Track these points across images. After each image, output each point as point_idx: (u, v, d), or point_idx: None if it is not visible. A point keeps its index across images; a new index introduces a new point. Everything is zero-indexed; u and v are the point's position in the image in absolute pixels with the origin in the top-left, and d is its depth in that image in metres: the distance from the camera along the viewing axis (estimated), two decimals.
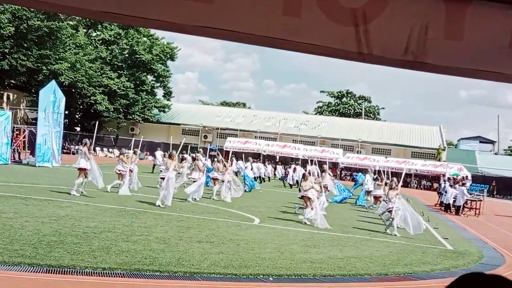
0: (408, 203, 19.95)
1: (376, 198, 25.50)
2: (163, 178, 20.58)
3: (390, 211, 19.30)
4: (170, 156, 21.32)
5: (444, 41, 1.89)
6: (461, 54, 1.90)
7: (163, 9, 1.80)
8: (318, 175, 23.38)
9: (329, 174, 28.74)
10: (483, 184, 50.54)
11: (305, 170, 25.03)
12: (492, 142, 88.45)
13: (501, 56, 1.90)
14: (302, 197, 19.88)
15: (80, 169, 20.54)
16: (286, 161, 59.62)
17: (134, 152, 24.07)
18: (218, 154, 25.53)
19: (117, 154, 23.48)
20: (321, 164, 26.99)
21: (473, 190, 41.86)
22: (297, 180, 37.48)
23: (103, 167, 41.12)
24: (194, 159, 24.67)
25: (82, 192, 20.25)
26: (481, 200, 32.88)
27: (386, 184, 20.89)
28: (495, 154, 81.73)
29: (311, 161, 25.32)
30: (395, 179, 21.19)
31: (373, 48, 1.89)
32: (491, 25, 1.89)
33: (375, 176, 29.70)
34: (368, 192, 29.44)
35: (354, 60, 1.92)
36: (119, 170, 23.03)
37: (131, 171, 23.63)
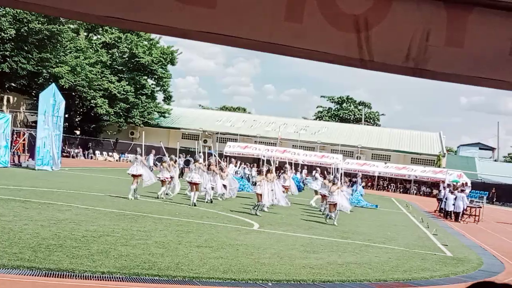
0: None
1: (323, 197, 26.00)
2: (190, 183, 23.07)
3: (332, 205, 21.66)
4: (196, 161, 23.84)
5: (445, 48, 1.89)
6: (462, 61, 1.90)
7: (166, 14, 1.81)
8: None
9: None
10: (482, 191, 50.53)
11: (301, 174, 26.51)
12: (492, 149, 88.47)
13: (502, 63, 1.90)
14: (256, 193, 22.52)
15: (135, 176, 22.46)
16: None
17: (171, 159, 24.53)
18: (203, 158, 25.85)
19: (159, 163, 25.54)
20: (281, 165, 29.16)
21: (473, 196, 41.89)
22: None
23: (103, 171, 41.18)
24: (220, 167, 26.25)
25: (136, 197, 22.12)
26: (480, 207, 32.87)
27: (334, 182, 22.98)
28: (495, 161, 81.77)
29: (268, 161, 27.64)
30: (338, 175, 24.50)
31: (374, 55, 1.89)
32: (492, 32, 1.90)
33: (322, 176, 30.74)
34: (316, 192, 29.84)
35: (356, 66, 1.93)
36: (166, 178, 23.96)
37: (171, 177, 24.56)
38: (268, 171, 23.97)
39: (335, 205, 21.47)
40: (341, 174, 25.58)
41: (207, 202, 23.95)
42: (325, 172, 33.04)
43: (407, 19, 1.88)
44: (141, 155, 23.43)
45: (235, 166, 36.94)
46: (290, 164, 36.03)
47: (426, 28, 1.89)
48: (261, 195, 21.98)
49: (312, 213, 25.34)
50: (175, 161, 25.43)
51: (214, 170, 24.43)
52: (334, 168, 26.92)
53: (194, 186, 22.85)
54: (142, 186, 23.19)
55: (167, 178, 23.94)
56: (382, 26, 1.87)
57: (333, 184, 22.35)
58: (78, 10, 1.80)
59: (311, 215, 24.08)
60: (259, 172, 23.76)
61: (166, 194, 24.00)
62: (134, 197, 22.05)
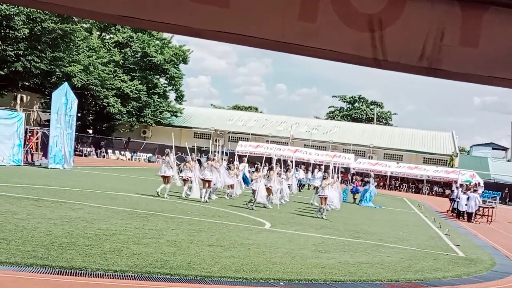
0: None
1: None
2: (203, 180, 23.80)
3: (322, 198, 22.77)
4: (209, 159, 25.01)
5: (459, 47, 1.88)
6: (476, 60, 1.89)
7: (179, 14, 1.81)
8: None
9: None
10: (495, 191, 50.30)
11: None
12: (505, 149, 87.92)
13: None
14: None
15: (164, 177, 23.59)
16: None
17: (192, 159, 24.96)
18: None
19: (183, 163, 25.81)
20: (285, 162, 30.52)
21: (486, 197, 41.68)
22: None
23: (116, 169, 41.34)
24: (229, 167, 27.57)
25: (162, 195, 23.14)
26: (493, 207, 32.66)
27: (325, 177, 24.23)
28: (508, 161, 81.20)
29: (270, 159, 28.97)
30: (329, 171, 26.14)
31: (388, 54, 1.89)
32: (507, 32, 1.88)
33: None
34: (316, 188, 29.84)
35: (370, 66, 1.92)
36: (189, 177, 24.31)
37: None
38: (271, 169, 25.09)
39: (325, 198, 22.64)
40: (336, 170, 27.55)
41: (212, 198, 24.88)
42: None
43: (421, 18, 1.87)
44: (167, 155, 24.17)
45: (247, 164, 37.12)
46: (346, 170, 36.11)
47: (440, 28, 1.88)
48: (255, 190, 23.14)
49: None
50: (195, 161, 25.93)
51: (213, 165, 24.74)
52: (332, 166, 27.48)
53: (206, 183, 23.55)
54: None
55: (190, 177, 24.25)
56: (396, 26, 1.87)
57: (324, 179, 23.60)
58: (92, 9, 1.81)
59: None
60: (256, 169, 24.87)
61: (187, 194, 24.37)
62: (159, 194, 23.10)
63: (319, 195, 23.43)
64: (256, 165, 27.10)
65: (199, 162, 28.69)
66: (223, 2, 1.80)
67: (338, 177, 27.66)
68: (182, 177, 24.44)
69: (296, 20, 1.84)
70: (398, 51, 1.89)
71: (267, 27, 1.83)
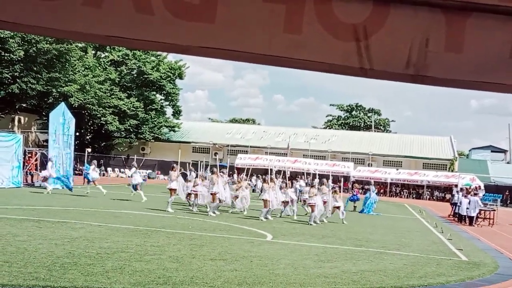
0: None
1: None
2: (211, 193, 24.57)
3: (311, 206, 23.78)
4: (213, 172, 25.40)
5: (444, 53, 1.90)
6: (462, 66, 1.91)
7: (166, 31, 1.83)
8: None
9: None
10: (496, 193, 50.20)
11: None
12: (504, 151, 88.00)
13: (502, 67, 1.91)
14: (262, 199, 24.54)
15: (171, 190, 24.94)
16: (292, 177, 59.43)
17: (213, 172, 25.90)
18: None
19: (194, 177, 27.86)
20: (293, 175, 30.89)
21: (486, 200, 41.62)
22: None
23: (115, 187, 41.23)
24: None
25: (170, 210, 24.16)
26: (494, 210, 32.62)
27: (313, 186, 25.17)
28: (508, 163, 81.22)
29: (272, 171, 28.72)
30: (316, 180, 27.04)
31: (374, 63, 1.90)
32: (491, 36, 1.90)
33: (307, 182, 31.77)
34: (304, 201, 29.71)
35: (356, 75, 1.94)
36: (200, 192, 25.46)
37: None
38: (264, 181, 25.89)
39: (314, 206, 23.57)
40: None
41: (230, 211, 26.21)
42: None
43: (405, 26, 1.88)
44: (172, 169, 25.65)
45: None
46: (346, 178, 36.09)
47: (425, 34, 1.89)
48: (268, 201, 23.78)
49: (324, 222, 25.26)
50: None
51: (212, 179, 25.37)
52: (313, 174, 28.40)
53: (212, 196, 24.45)
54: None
55: (200, 191, 25.25)
56: (381, 34, 1.88)
57: (311, 187, 24.57)
58: (78, 30, 1.82)
59: (323, 224, 24.03)
60: (264, 180, 25.65)
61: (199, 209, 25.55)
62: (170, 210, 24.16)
63: (308, 204, 24.56)
64: (263, 177, 28.14)
65: (185, 175, 28.99)
66: (208, 18, 1.82)
67: (332, 188, 27.67)
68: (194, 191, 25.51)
69: (282, 32, 1.86)
70: (384, 59, 1.91)
71: (253, 41, 1.85)
